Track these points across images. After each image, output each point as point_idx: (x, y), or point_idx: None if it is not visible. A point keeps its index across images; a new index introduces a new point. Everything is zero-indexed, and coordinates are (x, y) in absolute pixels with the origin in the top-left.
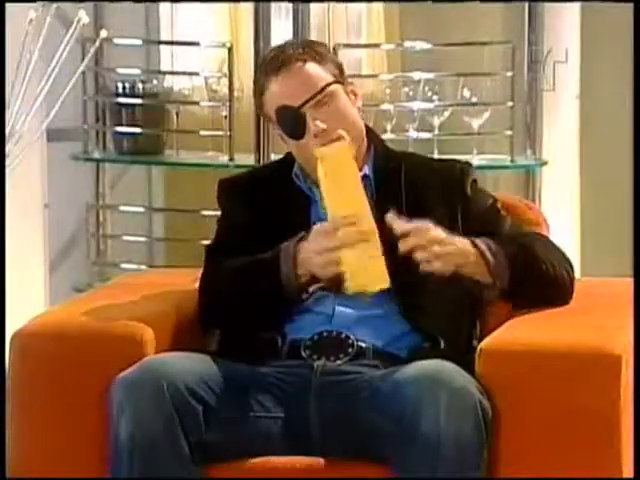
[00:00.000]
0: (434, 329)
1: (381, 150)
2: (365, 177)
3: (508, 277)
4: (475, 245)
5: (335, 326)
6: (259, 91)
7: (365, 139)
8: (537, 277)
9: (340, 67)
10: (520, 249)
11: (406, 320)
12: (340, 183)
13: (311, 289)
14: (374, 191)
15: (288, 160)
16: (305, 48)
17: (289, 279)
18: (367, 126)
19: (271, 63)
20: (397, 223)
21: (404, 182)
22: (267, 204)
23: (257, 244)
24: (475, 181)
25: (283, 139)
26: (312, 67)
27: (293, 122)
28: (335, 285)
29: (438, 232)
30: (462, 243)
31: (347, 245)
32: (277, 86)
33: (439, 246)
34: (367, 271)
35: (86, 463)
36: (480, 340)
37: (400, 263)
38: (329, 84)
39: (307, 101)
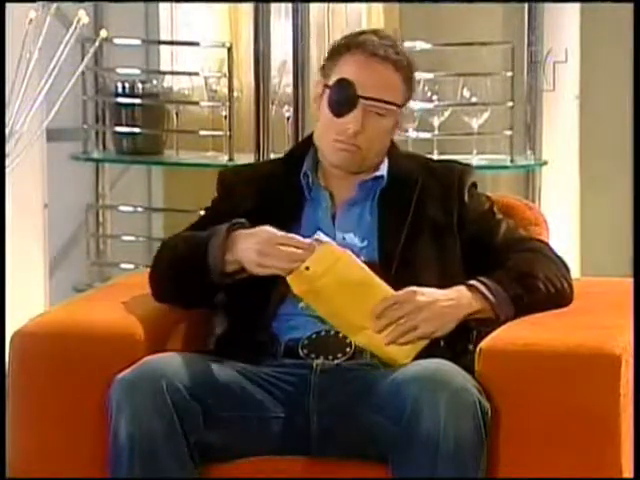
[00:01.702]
0: None
1: (394, 154)
2: (381, 177)
3: (513, 312)
4: (472, 287)
5: (332, 326)
6: (338, 52)
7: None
8: (540, 302)
9: (412, 94)
10: (520, 281)
11: None
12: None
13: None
14: (385, 195)
15: (294, 158)
16: (404, 60)
17: (215, 261)
18: None
19: (370, 44)
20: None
21: (413, 190)
22: (261, 201)
23: None
24: (474, 185)
25: (318, 105)
26: (396, 79)
27: (344, 100)
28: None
29: (424, 297)
30: (455, 297)
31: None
32: (359, 65)
33: (430, 309)
34: (385, 352)
35: (86, 463)
36: (475, 344)
37: (399, 264)
38: (396, 104)
39: (369, 98)
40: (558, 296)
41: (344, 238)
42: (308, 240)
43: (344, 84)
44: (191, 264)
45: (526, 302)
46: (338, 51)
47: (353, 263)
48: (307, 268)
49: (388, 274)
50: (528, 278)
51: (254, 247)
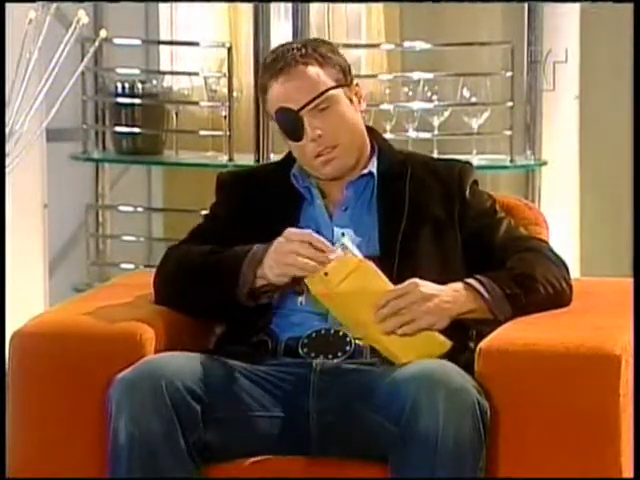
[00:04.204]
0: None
1: (385, 149)
2: (370, 174)
3: (510, 312)
4: (469, 285)
5: (331, 324)
6: (262, 89)
7: (368, 141)
8: (538, 302)
9: (344, 69)
10: (518, 281)
11: None
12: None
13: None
14: (378, 190)
15: (288, 160)
16: (308, 49)
17: (245, 283)
18: (369, 126)
19: (272, 65)
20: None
21: (406, 182)
22: (259, 202)
23: (239, 239)
24: (475, 182)
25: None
26: (313, 70)
27: (291, 125)
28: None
29: (426, 289)
30: (452, 295)
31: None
32: (277, 88)
33: (430, 302)
34: (395, 357)
35: (86, 463)
36: (476, 342)
37: (399, 258)
38: (329, 89)
39: (305, 105)
40: (557, 297)
41: (343, 235)
42: (334, 246)
43: (280, 113)
44: (216, 280)
45: (524, 302)
46: (262, 92)
47: (371, 272)
48: (326, 274)
49: (389, 268)
50: (527, 278)
51: (272, 261)
